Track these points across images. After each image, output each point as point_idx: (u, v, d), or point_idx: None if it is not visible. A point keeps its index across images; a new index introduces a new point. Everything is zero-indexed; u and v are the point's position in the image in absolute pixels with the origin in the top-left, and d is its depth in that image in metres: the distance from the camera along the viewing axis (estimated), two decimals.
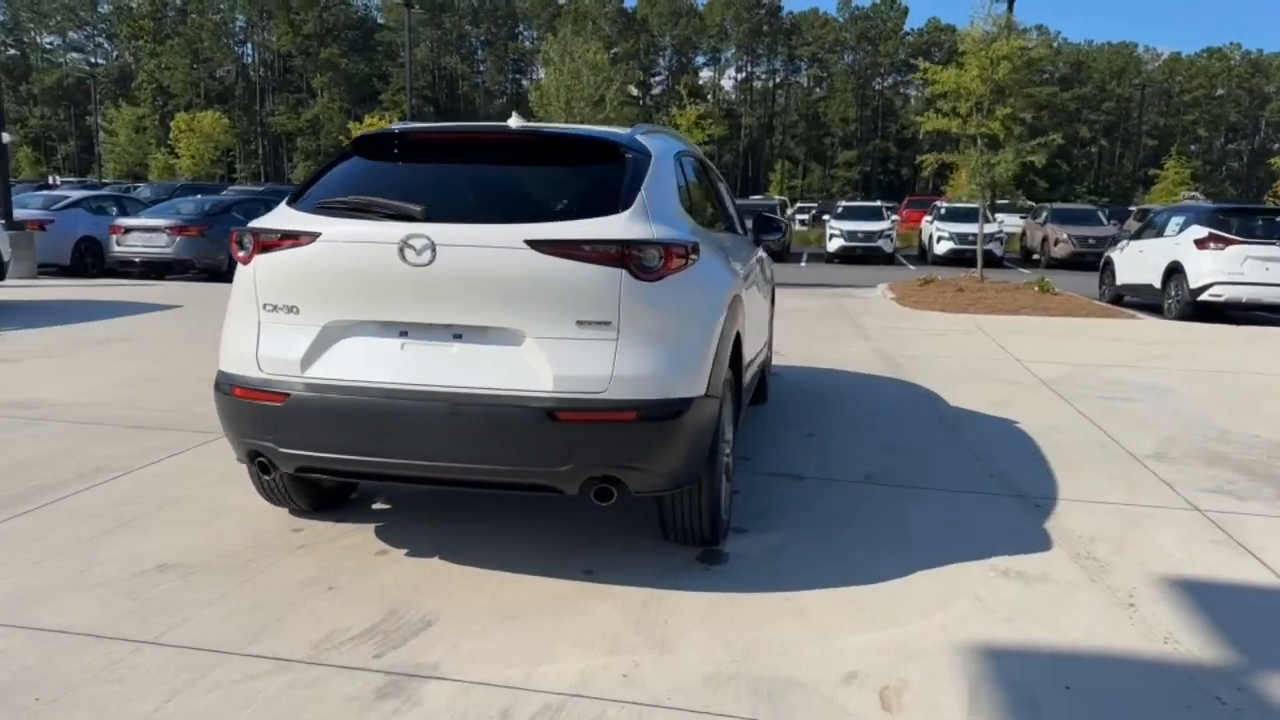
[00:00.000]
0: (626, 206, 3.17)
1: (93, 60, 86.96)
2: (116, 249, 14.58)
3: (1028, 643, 3.01)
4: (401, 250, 3.03)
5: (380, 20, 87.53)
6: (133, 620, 2.97)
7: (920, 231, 27.19)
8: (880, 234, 24.45)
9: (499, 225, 3.07)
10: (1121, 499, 4.48)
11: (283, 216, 3.31)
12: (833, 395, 6.78)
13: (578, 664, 2.78)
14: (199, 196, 18.80)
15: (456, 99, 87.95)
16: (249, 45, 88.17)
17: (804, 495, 4.45)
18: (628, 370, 3.06)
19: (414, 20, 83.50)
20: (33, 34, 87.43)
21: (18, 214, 14.63)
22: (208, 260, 14.58)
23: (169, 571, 3.35)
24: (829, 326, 10.59)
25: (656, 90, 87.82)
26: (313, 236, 3.15)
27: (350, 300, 3.14)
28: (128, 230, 14.60)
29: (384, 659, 2.78)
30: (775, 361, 7.99)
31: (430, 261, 3.03)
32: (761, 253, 5.66)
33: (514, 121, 3.91)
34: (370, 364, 3.13)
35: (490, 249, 3.02)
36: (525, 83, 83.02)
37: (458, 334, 3.10)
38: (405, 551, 3.60)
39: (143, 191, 30.71)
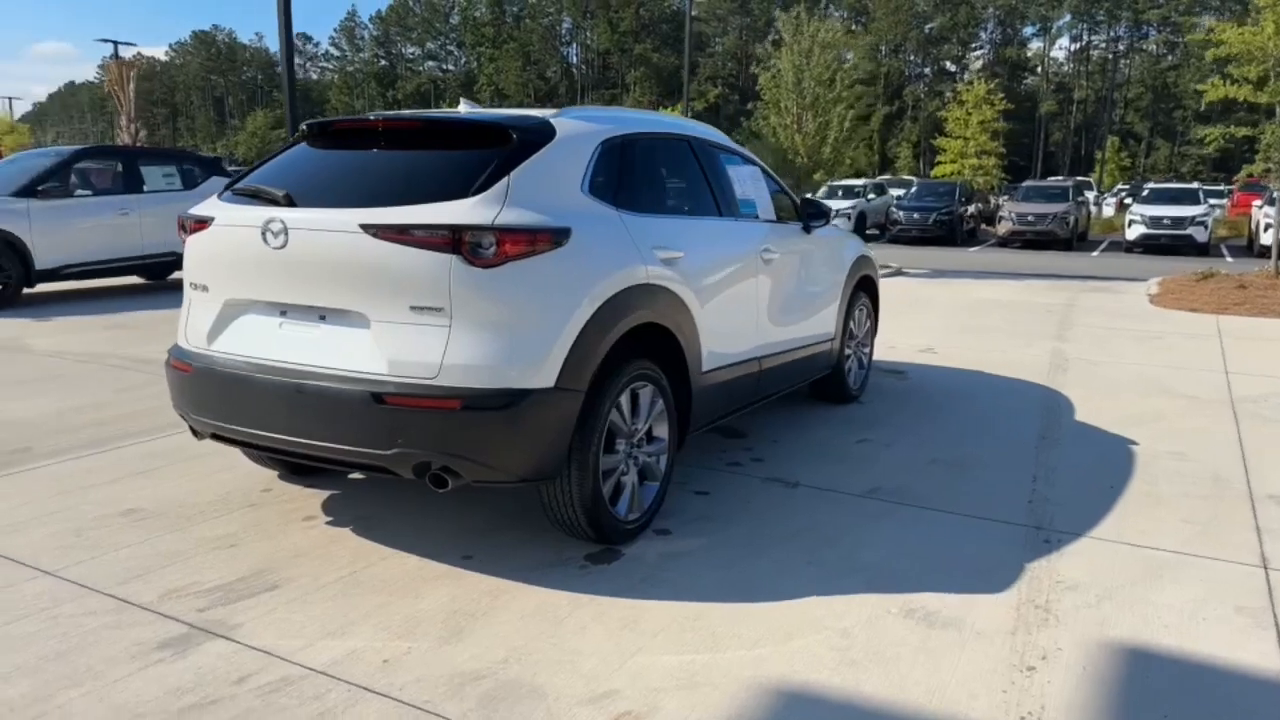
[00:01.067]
0: (481, 190, 3.12)
1: (444, 67, 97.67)
2: None
3: (838, 694, 2.60)
4: (263, 234, 3.22)
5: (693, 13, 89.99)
6: (55, 553, 3.44)
7: (1250, 218, 23.30)
8: (1192, 220, 21.23)
9: (339, 210, 3.16)
10: (1171, 544, 3.67)
11: (207, 203, 3.63)
12: (944, 400, 6.12)
13: (356, 643, 2.82)
14: None
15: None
16: (574, 45, 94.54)
17: (780, 503, 4.11)
18: (459, 358, 3.03)
19: (723, 9, 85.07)
20: (399, 46, 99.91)
21: None
22: None
23: (129, 516, 3.83)
24: (1030, 324, 9.49)
25: (977, 64, 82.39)
26: (209, 221, 3.43)
27: (239, 280, 3.39)
28: None
29: (204, 614, 3.00)
30: (919, 359, 7.43)
31: (284, 245, 3.19)
32: (825, 239, 5.26)
33: (463, 107, 3.97)
34: (254, 341, 3.36)
35: (330, 233, 3.12)
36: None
37: (322, 315, 3.24)
38: (328, 520, 3.82)
39: None
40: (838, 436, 5.20)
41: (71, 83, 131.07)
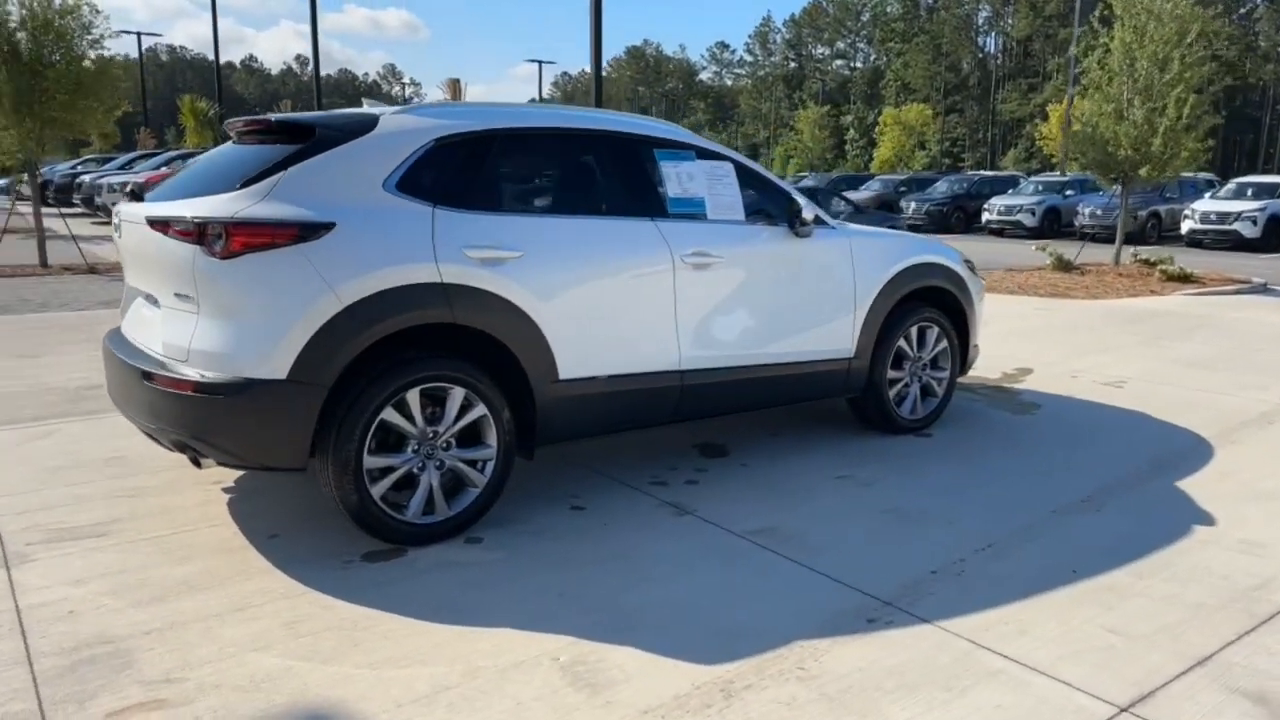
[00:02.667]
0: (246, 185, 3.29)
1: (852, 65, 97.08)
2: None
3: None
4: (117, 227, 3.68)
5: None
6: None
7: None
8: (1239, 216, 19.01)
9: (145, 204, 3.50)
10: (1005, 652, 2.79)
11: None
12: (1033, 444, 5.06)
13: (51, 595, 3.13)
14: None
15: None
16: (991, 35, 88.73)
17: (642, 527, 3.76)
18: (201, 344, 3.25)
19: None
20: (809, 47, 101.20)
21: None
22: None
23: (105, 463, 4.55)
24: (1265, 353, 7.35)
25: None
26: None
27: (127, 269, 3.90)
28: None
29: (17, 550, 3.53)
30: (1095, 393, 6.24)
31: (122, 236, 3.62)
32: (826, 243, 4.63)
33: (366, 104, 4.14)
34: (131, 323, 3.85)
35: (132, 225, 3.49)
36: None
37: (154, 300, 3.62)
38: (223, 485, 4.22)
39: (806, 182, 34.18)
40: (821, 467, 4.56)
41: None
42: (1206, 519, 3.93)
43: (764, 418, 5.45)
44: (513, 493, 4.02)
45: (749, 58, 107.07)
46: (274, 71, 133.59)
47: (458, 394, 3.54)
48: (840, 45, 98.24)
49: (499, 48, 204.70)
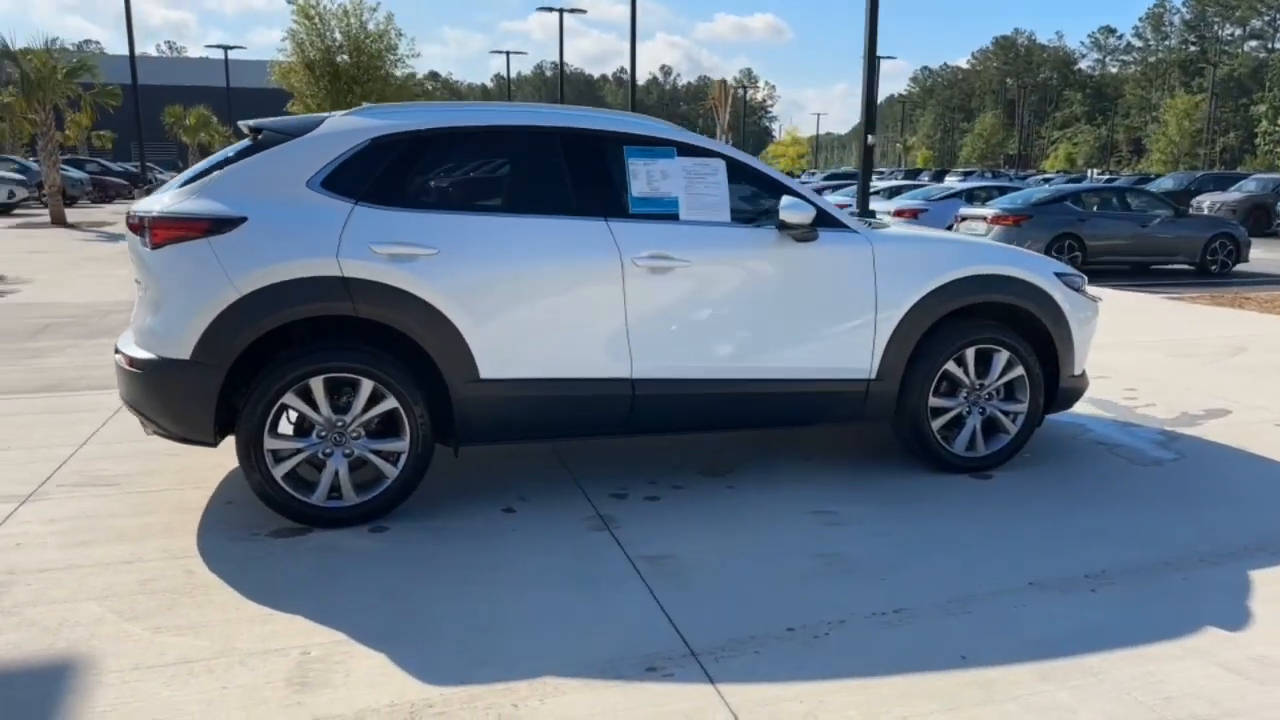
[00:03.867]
0: (186, 184, 3.66)
1: (1270, 46, 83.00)
2: None
3: None
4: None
5: None
6: None
7: None
8: None
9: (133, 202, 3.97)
10: None
11: None
12: (1122, 491, 4.13)
13: (21, 529, 3.67)
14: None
15: None
16: None
17: (544, 540, 3.63)
18: (142, 324, 3.66)
19: None
20: (1216, 28, 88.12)
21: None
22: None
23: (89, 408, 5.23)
24: None
25: None
26: None
27: None
28: (964, 219, 15.54)
29: None
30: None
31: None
32: (828, 250, 4.10)
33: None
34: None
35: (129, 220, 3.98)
36: None
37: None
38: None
39: (1164, 183, 29.87)
40: (807, 498, 4.07)
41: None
42: (1228, 623, 2.97)
43: (803, 438, 4.95)
44: (469, 485, 4.07)
45: (1138, 42, 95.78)
46: (641, 82, 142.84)
47: (367, 385, 3.65)
48: (1256, 24, 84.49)
49: (850, 47, 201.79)
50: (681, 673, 2.66)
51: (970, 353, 4.33)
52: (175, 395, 3.58)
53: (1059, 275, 4.48)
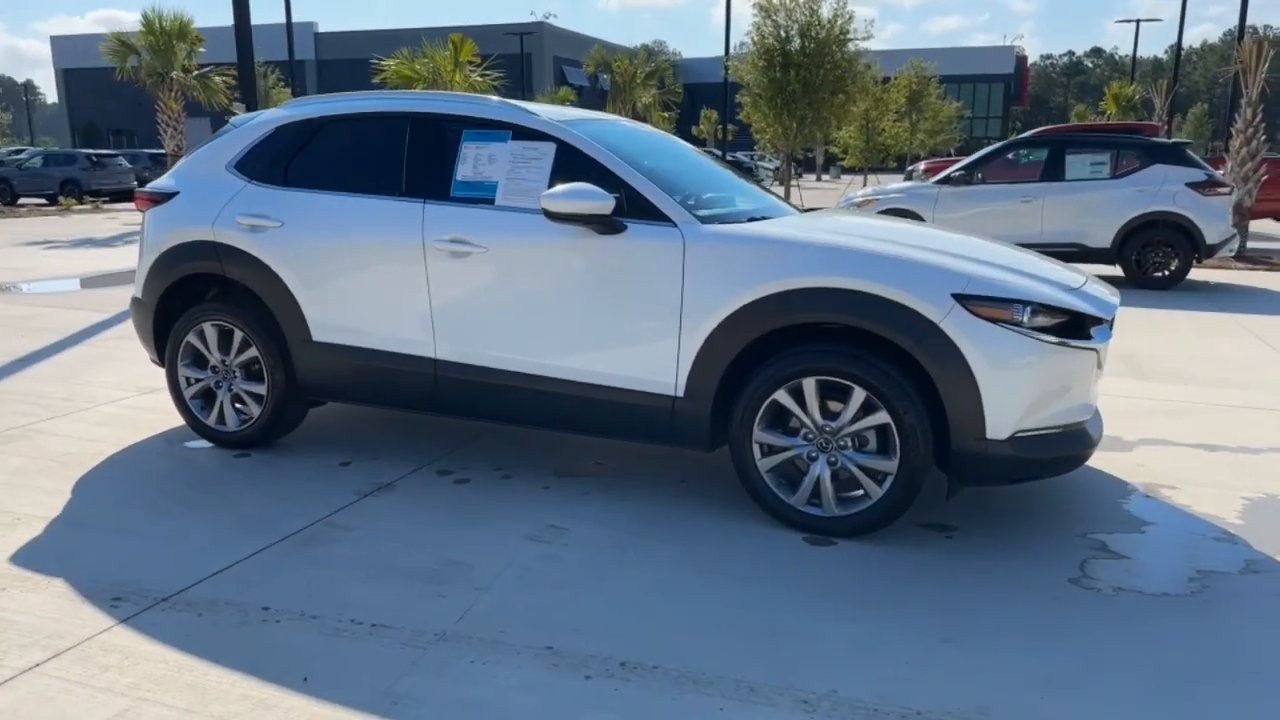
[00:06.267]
0: (175, 166, 4.73)
1: None
2: None
3: None
4: None
5: None
6: None
7: None
8: None
9: None
10: None
11: None
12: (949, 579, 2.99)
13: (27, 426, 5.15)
14: None
15: None
16: None
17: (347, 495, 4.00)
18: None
19: None
20: None
21: None
22: None
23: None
24: None
25: None
26: None
27: None
28: None
29: None
30: None
31: None
32: (638, 246, 3.61)
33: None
34: None
35: None
36: None
37: None
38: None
39: None
40: (546, 507, 3.68)
41: None
42: None
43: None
44: (311, 438, 4.59)
45: None
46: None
47: (239, 335, 4.36)
48: None
49: None
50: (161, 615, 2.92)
51: (810, 384, 3.43)
52: (138, 324, 4.69)
53: (962, 297, 3.27)
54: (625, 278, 3.68)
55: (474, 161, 3.99)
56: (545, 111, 4.09)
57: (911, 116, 31.37)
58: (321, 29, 59.18)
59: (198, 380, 4.53)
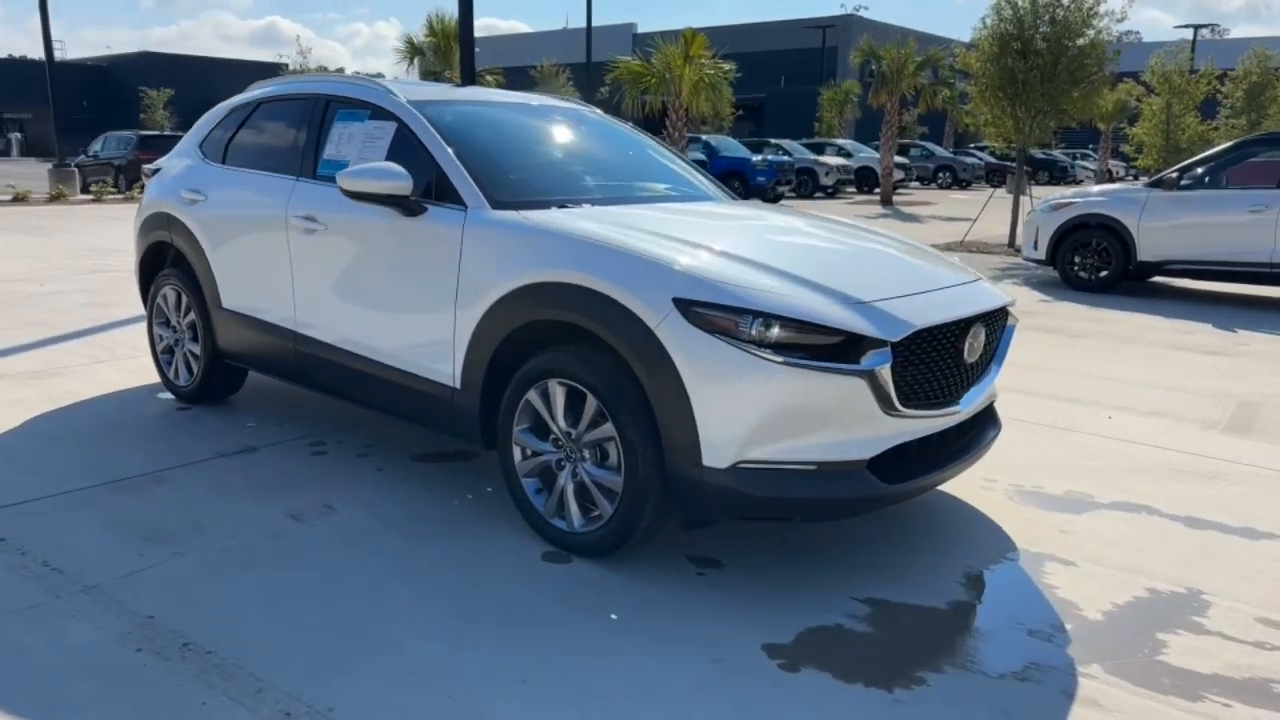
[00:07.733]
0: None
1: None
2: None
3: None
4: None
5: None
6: None
7: None
8: None
9: None
10: None
11: None
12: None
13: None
14: None
15: None
16: None
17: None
18: None
19: None
20: None
21: None
22: None
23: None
24: None
25: None
26: None
27: None
28: None
29: None
30: None
31: None
32: (431, 229, 3.48)
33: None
34: None
35: None
36: None
37: None
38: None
39: None
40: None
41: None
42: None
43: None
44: (285, 414, 4.88)
45: None
46: None
47: (185, 300, 4.78)
48: None
49: None
50: None
51: (555, 387, 3.14)
52: (139, 274, 5.27)
53: (684, 302, 2.81)
54: (418, 261, 3.58)
55: (338, 141, 4.08)
56: (411, 92, 4.05)
57: (1250, 114, 26.68)
58: (640, 29, 61.46)
59: (163, 339, 5.03)
